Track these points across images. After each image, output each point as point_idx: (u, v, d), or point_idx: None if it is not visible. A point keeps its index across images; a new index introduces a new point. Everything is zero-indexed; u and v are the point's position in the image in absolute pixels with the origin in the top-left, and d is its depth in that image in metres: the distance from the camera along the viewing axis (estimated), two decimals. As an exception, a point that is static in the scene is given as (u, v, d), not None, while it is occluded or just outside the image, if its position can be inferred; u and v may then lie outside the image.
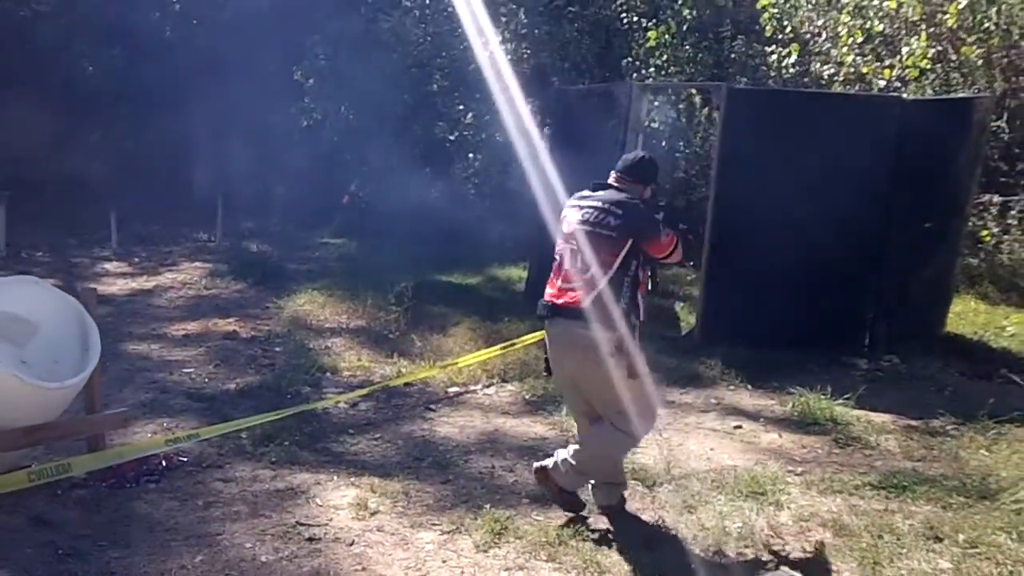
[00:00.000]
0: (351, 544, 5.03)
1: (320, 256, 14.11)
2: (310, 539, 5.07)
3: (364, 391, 7.64)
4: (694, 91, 14.07)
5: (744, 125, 9.17)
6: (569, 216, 5.40)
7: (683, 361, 8.87)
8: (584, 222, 5.29)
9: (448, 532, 5.20)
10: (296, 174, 15.69)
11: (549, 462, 5.48)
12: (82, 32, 16.77)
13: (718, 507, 5.65)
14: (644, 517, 5.51)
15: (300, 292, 11.14)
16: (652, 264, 5.45)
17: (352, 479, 5.89)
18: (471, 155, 15.87)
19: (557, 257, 5.41)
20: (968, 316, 10.67)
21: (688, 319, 10.47)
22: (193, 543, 4.98)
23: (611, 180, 5.47)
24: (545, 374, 5.93)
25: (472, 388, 8.01)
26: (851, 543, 5.21)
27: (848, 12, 12.82)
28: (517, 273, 12.79)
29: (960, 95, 11.96)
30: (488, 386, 8.08)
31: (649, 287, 5.44)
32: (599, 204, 5.31)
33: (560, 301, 5.30)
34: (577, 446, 5.49)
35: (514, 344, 8.65)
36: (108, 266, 13.31)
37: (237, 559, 4.82)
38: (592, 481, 5.54)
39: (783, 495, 5.87)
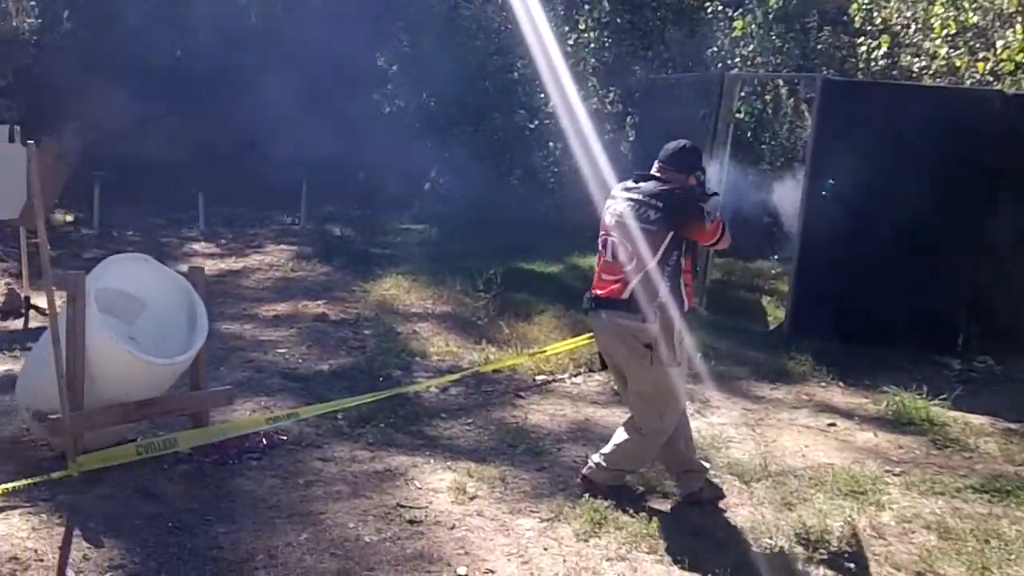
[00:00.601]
0: (452, 528, 5.05)
1: (402, 241, 14.18)
2: (411, 521, 5.10)
3: (455, 376, 7.68)
4: (781, 82, 13.90)
5: (839, 117, 9.09)
6: (612, 207, 5.42)
7: (772, 356, 8.80)
8: (625, 215, 5.30)
9: (547, 520, 5.20)
10: (377, 160, 15.77)
11: (587, 470, 5.59)
12: (171, 18, 17.00)
13: (817, 505, 5.60)
14: (742, 512, 5.47)
15: (385, 276, 11.20)
16: (694, 251, 5.54)
17: (448, 463, 5.92)
18: (551, 143, 15.86)
19: (601, 249, 5.45)
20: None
21: (775, 313, 10.39)
22: (297, 521, 5.03)
23: (654, 170, 5.45)
24: (600, 368, 6.14)
25: (560, 377, 8.01)
26: (957, 547, 5.14)
27: (941, 3, 12.57)
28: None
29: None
30: (576, 375, 8.07)
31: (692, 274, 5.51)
32: (640, 197, 5.31)
33: (602, 292, 5.37)
34: (608, 450, 5.54)
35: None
36: (196, 246, 13.52)
37: (341, 539, 4.86)
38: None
39: (883, 495, 5.81)
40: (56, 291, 5.45)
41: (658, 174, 5.41)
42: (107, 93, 15.11)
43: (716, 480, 5.79)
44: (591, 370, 8.15)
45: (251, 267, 12.09)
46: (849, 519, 5.41)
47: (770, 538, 5.12)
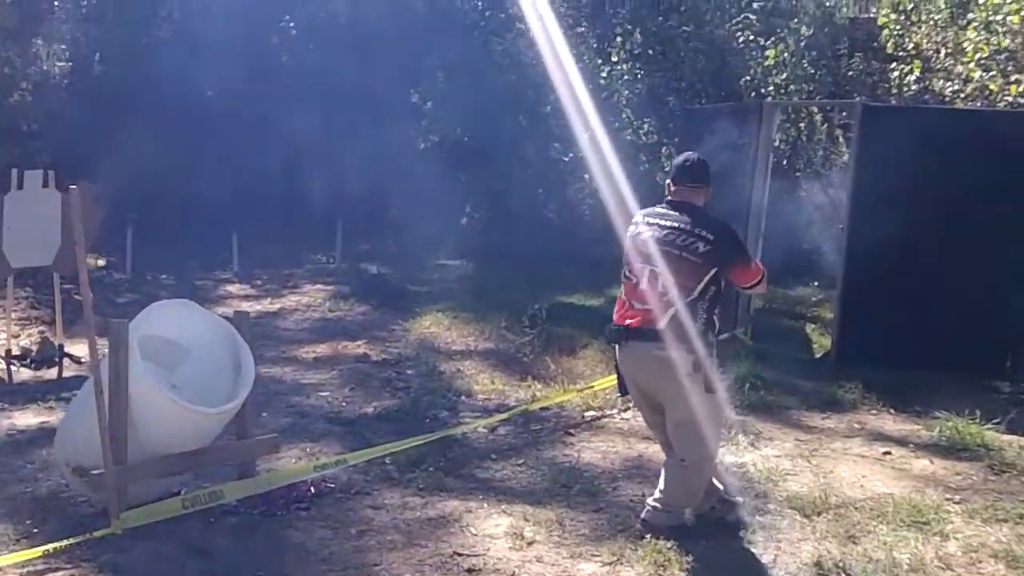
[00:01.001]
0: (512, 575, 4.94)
1: (439, 278, 14.10)
2: (470, 570, 4.98)
3: (503, 416, 7.57)
4: (816, 109, 13.80)
5: (880, 143, 8.94)
6: (646, 234, 5.27)
7: (820, 384, 8.63)
8: (668, 243, 5.17)
9: (610, 563, 5.08)
10: (412, 195, 15.73)
11: (645, 513, 5.45)
12: (201, 58, 17.07)
13: (881, 537, 5.45)
14: (807, 548, 5.32)
15: (424, 314, 11.13)
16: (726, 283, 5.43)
17: (503, 507, 5.80)
18: (586, 176, 15.79)
19: (632, 278, 5.28)
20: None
21: (820, 341, 10.22)
22: (351, 574, 4.93)
23: (676, 192, 5.37)
24: (620, 395, 5.87)
25: (608, 412, 7.88)
26: (1027, 577, 4.98)
27: (974, 28, 12.46)
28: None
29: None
30: (624, 410, 7.92)
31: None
32: (683, 226, 5.19)
33: (634, 322, 5.22)
34: (659, 491, 5.43)
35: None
36: (231, 288, 13.50)
37: (398, 591, 4.77)
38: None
39: (946, 524, 5.65)
40: (98, 339, 5.39)
41: (683, 197, 5.35)
42: (138, 135, 15.14)
43: (732, 498, 5.66)
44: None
45: (288, 308, 12.04)
46: (915, 551, 5.26)
47: (838, 574, 4.97)
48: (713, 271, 5.14)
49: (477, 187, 15.93)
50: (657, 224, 5.24)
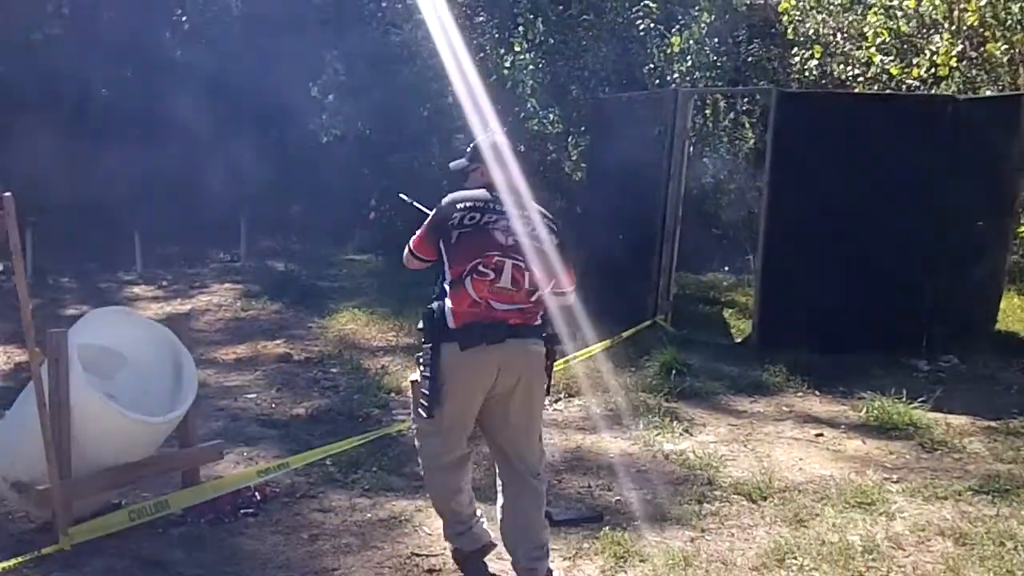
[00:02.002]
0: (472, 574, 4.90)
1: (348, 273, 13.96)
2: (430, 571, 4.94)
3: (437, 412, 7.51)
4: (720, 96, 13.99)
5: (795, 128, 9.11)
6: (496, 224, 4.61)
7: (744, 369, 8.77)
8: (528, 235, 4.64)
9: (570, 557, 5.07)
10: (315, 191, 15.53)
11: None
12: (94, 54, 16.56)
13: (830, 520, 5.55)
14: (760, 533, 5.39)
15: (340, 311, 10.98)
16: None
17: (452, 504, 5.75)
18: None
19: (488, 272, 4.53)
20: (1015, 313, 10.63)
21: (738, 325, 10.40)
22: (311, 579, 4.84)
23: (488, 174, 4.79)
24: (425, 413, 4.64)
25: (541, 404, 7.87)
26: (976, 552, 5.11)
27: (875, 12, 12.78)
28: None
29: (1010, 93, 11.88)
30: (555, 401, 7.94)
31: None
32: (529, 212, 4.69)
33: (515, 319, 4.54)
34: (537, 537, 4.73)
35: (576, 357, 8.55)
36: (137, 290, 13.12)
37: (361, 594, 4.69)
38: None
39: (891, 505, 5.79)
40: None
41: (488, 177, 4.80)
42: (31, 134, 14.66)
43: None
44: (569, 395, 8.07)
45: (199, 308, 11.75)
46: (865, 532, 5.37)
47: (795, 558, 5.04)
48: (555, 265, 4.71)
49: (381, 180, 15.77)
50: (508, 211, 4.66)
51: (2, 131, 14.97)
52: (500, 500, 4.83)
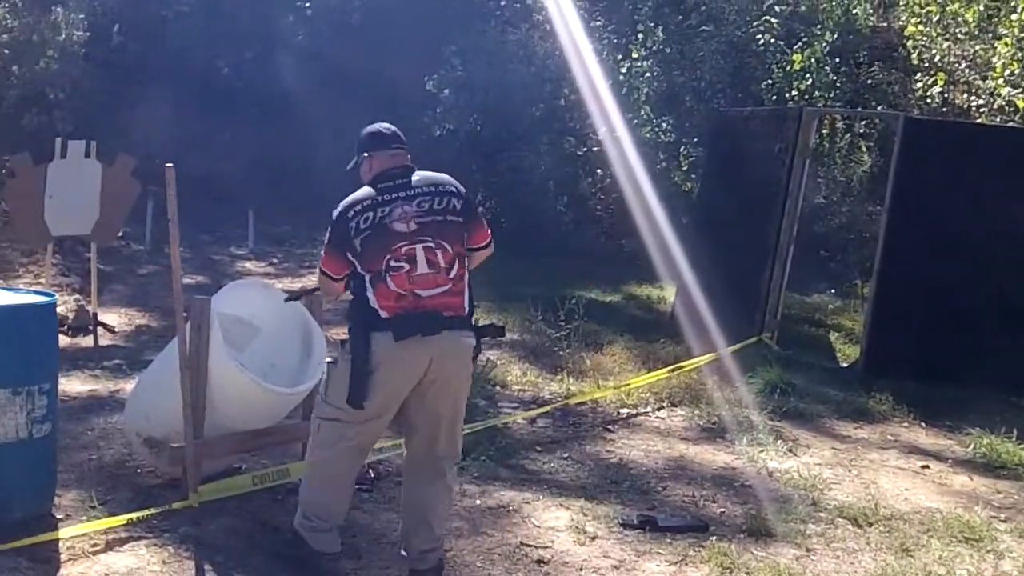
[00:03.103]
0: (581, 569, 4.98)
1: (452, 265, 14.08)
2: (539, 562, 5.03)
3: (544, 409, 7.62)
4: (837, 117, 13.88)
5: (920, 156, 9.01)
6: (396, 212, 4.49)
7: (849, 394, 8.70)
8: (428, 212, 4.51)
9: (675, 563, 5.12)
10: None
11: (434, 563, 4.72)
12: (219, 34, 17.03)
13: (936, 552, 5.51)
14: (865, 559, 5.39)
15: (446, 302, 11.10)
16: None
17: (559, 500, 5.84)
18: (599, 171, 15.86)
19: (402, 265, 4.41)
20: None
21: (844, 350, 10.31)
22: (423, 558, 4.96)
23: (391, 159, 4.70)
24: (352, 405, 4.44)
25: (643, 410, 7.94)
26: (1086, 598, 5.07)
27: (1006, 44, 12.55)
28: (654, 292, 12.72)
29: None
30: (659, 409, 8.00)
31: None
32: (431, 188, 4.58)
33: (448, 309, 4.44)
34: (440, 525, 4.74)
35: (682, 367, 8.59)
36: (248, 264, 13.48)
37: (473, 578, 4.81)
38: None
39: (999, 543, 5.72)
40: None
41: (400, 161, 4.73)
42: (156, 108, 15.11)
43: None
44: (673, 404, 8.11)
45: (308, 289, 11.95)
46: (972, 568, 5.33)
47: (901, 587, 5.05)
48: (469, 227, 4.66)
49: (489, 177, 15.95)
50: (398, 197, 4.54)
51: (128, 103, 15.43)
52: (407, 486, 4.79)
